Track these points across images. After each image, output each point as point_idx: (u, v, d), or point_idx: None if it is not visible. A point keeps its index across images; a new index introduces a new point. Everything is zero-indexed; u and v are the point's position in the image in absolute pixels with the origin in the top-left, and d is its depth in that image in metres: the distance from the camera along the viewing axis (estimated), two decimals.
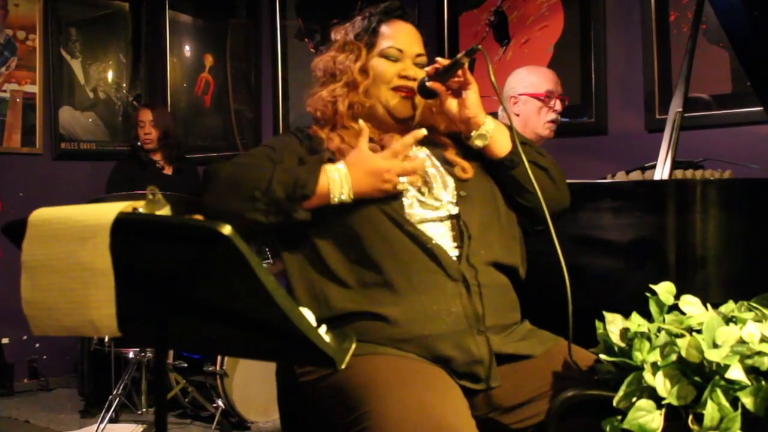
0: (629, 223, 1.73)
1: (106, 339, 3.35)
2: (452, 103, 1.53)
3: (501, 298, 1.46)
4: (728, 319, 1.21)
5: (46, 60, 4.40)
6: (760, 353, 1.11)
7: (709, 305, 1.26)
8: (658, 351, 1.18)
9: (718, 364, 1.11)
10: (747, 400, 1.09)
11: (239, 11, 4.51)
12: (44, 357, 4.28)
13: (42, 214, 0.92)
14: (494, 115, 1.63)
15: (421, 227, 1.44)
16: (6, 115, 4.23)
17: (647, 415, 1.14)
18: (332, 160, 1.47)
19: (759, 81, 2.06)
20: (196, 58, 4.73)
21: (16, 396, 4.02)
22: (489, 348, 1.40)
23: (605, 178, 2.01)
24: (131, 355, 3.37)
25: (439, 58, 1.53)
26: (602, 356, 1.27)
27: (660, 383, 1.14)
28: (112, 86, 4.74)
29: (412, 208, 1.46)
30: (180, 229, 0.91)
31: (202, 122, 4.67)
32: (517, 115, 2.50)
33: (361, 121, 1.50)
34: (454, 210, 1.48)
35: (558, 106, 2.54)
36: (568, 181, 1.62)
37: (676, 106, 2.04)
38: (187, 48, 4.78)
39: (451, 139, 1.59)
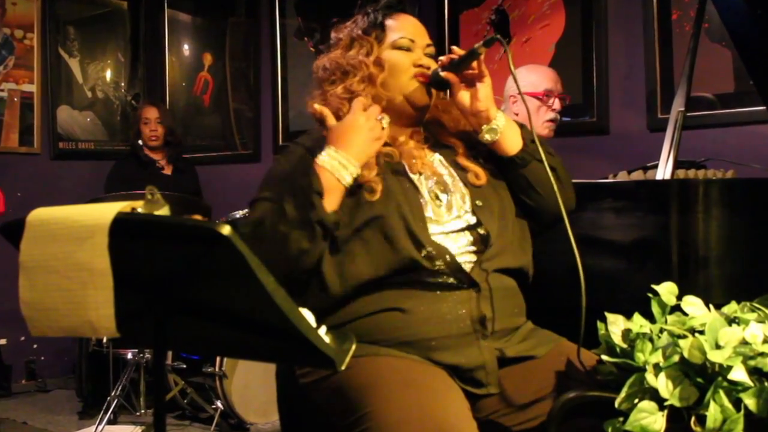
0: (631, 224, 1.72)
1: (105, 340, 3.34)
2: (464, 95, 1.52)
3: (509, 303, 1.45)
4: (731, 320, 1.20)
5: (44, 59, 4.39)
6: (763, 354, 1.10)
7: (711, 306, 1.25)
8: (660, 352, 1.17)
9: (720, 366, 1.11)
10: (750, 402, 1.08)
11: (238, 10, 4.51)
12: (42, 358, 4.27)
13: (40, 215, 0.91)
14: None
15: (435, 239, 1.42)
16: (4, 115, 4.22)
17: (649, 417, 1.13)
18: None
19: (762, 80, 2.06)
20: (195, 56, 4.72)
21: (13, 397, 4.02)
22: (493, 353, 1.39)
23: (607, 178, 2.01)
24: (130, 356, 3.36)
25: (455, 48, 1.52)
26: (604, 357, 1.26)
27: (662, 384, 1.14)
28: (110, 85, 4.73)
29: (431, 223, 1.43)
30: (179, 230, 0.90)
31: (201, 121, 4.67)
32: (516, 114, 2.49)
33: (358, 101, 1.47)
34: (472, 219, 1.46)
35: (557, 105, 2.54)
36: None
37: (678, 105, 2.03)
38: (185, 47, 4.78)
39: (460, 140, 1.58)
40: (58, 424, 3.51)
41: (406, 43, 1.54)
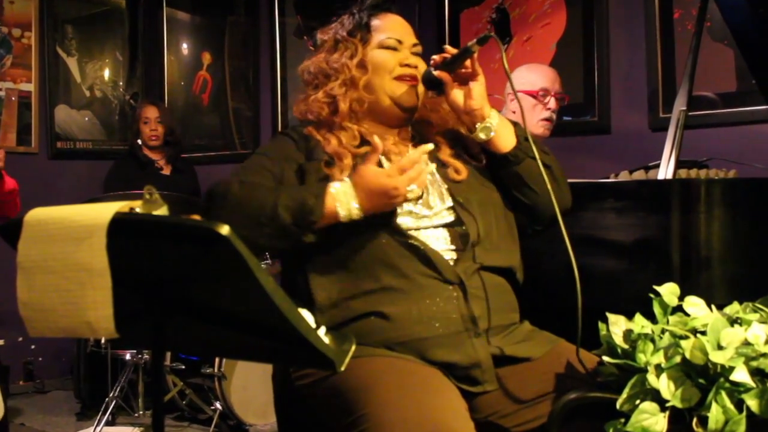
0: (632, 223, 1.71)
1: (103, 340, 3.34)
2: (458, 94, 1.51)
3: (499, 300, 1.45)
4: (733, 321, 1.20)
5: (42, 58, 4.38)
6: (765, 355, 1.10)
7: (713, 306, 1.25)
8: (661, 353, 1.17)
9: (722, 366, 1.10)
10: (752, 403, 1.08)
11: (237, 8, 4.50)
12: (40, 359, 4.27)
13: (38, 215, 0.91)
14: None
15: (414, 234, 1.42)
16: (1, 114, 4.21)
17: (651, 418, 1.13)
18: (330, 164, 1.45)
19: (764, 79, 2.06)
20: (193, 55, 4.71)
21: (11, 398, 3.99)
22: (488, 351, 1.39)
23: (608, 178, 2.00)
24: (128, 356, 3.35)
25: (447, 46, 1.51)
26: (605, 358, 1.26)
27: (664, 385, 1.14)
28: (108, 84, 4.72)
29: (403, 217, 1.43)
30: (178, 230, 0.90)
31: (199, 121, 4.66)
32: (513, 112, 2.49)
33: (376, 138, 1.41)
34: (450, 217, 1.46)
35: (553, 104, 2.53)
36: (571, 180, 1.61)
37: (680, 104, 2.03)
38: (184, 46, 4.77)
39: (444, 137, 1.57)
40: (56, 425, 3.50)
41: (392, 42, 1.53)
